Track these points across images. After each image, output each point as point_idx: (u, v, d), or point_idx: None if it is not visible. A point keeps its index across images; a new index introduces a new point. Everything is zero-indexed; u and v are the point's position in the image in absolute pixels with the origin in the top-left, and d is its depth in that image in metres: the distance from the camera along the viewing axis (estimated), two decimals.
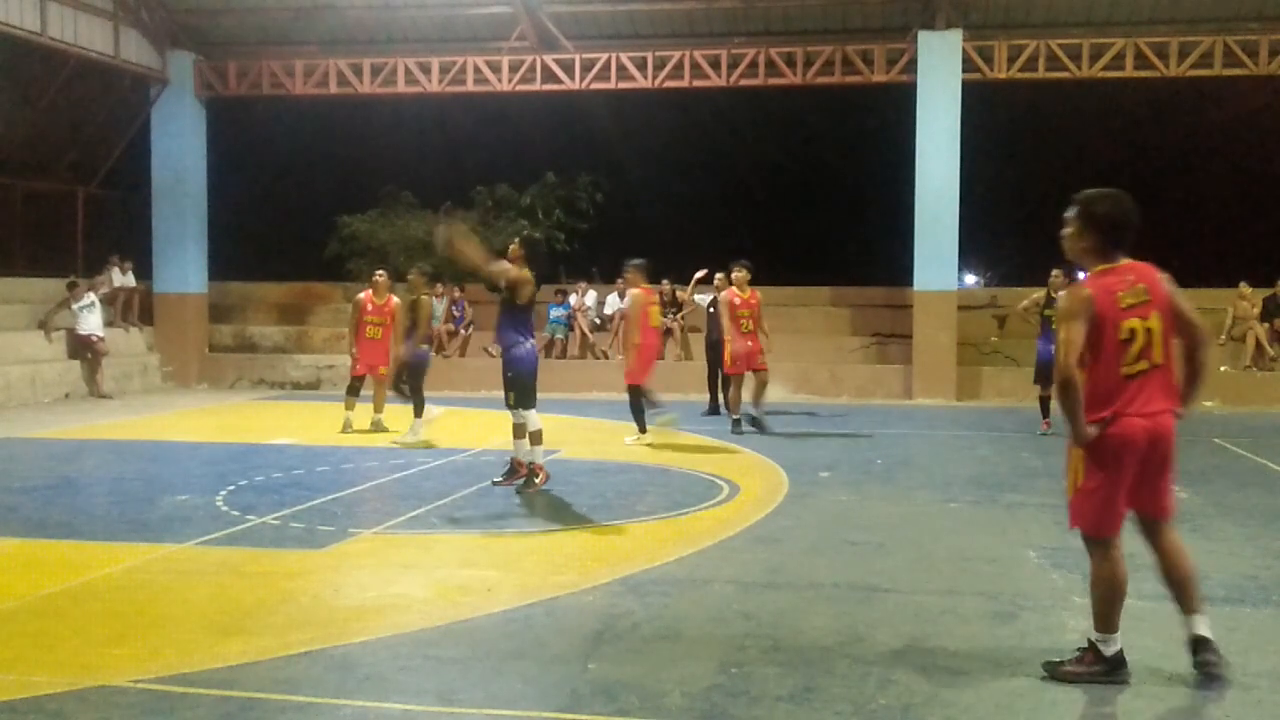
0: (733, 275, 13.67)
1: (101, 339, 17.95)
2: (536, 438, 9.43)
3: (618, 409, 16.08)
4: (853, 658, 5.22)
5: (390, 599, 6.18)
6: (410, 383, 12.42)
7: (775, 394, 18.20)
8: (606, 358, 19.41)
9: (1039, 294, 13.75)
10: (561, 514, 8.59)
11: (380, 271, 13.62)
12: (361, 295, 13.40)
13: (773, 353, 14.11)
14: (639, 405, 12.49)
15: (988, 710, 4.60)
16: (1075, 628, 5.48)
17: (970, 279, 34.61)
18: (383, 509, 8.66)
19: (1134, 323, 4.74)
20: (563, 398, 17.32)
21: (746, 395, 13.73)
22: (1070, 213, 4.98)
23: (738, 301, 13.42)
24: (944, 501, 9.22)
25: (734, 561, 7.08)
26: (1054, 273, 13.26)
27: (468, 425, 13.63)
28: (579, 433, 13.50)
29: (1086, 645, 4.92)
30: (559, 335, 19.88)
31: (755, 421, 13.46)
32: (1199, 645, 4.82)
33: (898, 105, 19.27)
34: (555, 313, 20.04)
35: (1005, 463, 11.39)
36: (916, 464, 11.27)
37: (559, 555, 7.29)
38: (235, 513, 8.45)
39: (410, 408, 12.41)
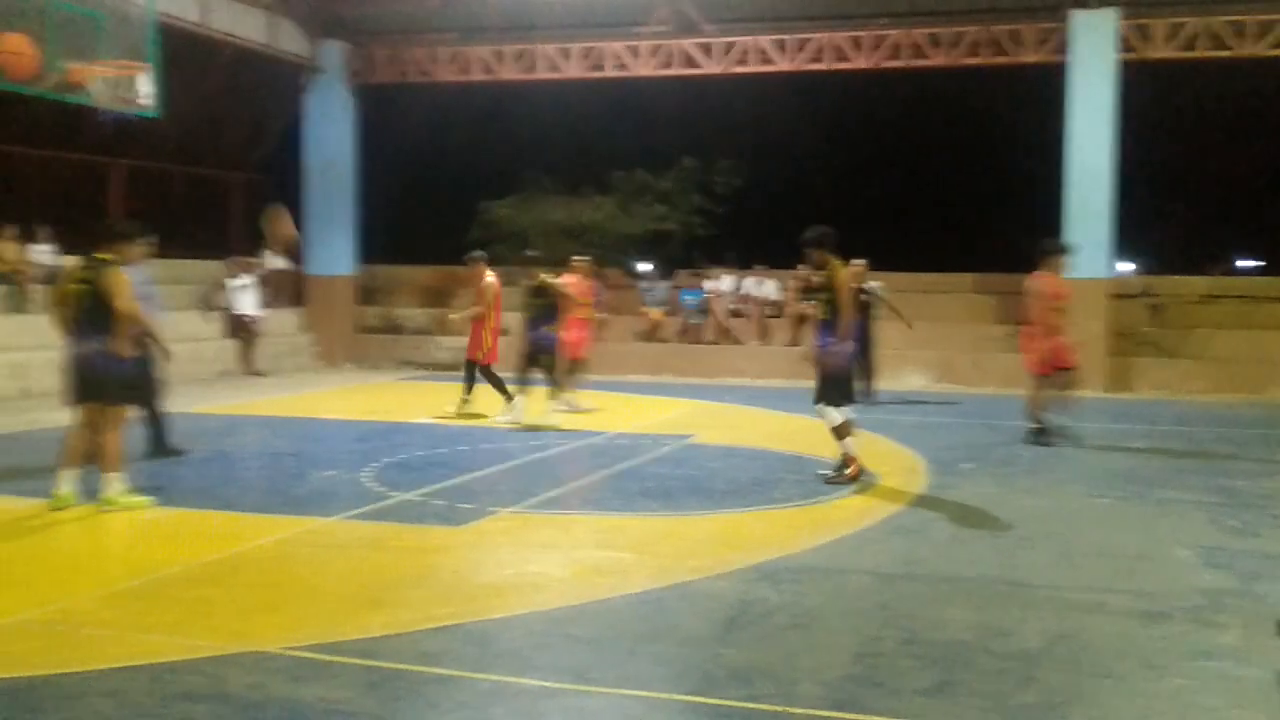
0: (1049, 259, 11.65)
1: (256, 319, 18.69)
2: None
3: (754, 394, 16.02)
4: (993, 653, 5.09)
5: (528, 577, 6.28)
6: (544, 365, 12.54)
7: (916, 382, 17.91)
8: (743, 343, 19.34)
9: None
10: (696, 499, 8.59)
11: (580, 256, 13.81)
12: (564, 279, 13.56)
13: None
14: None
15: (1135, 713, 4.45)
16: (1228, 628, 5.25)
17: (1123, 266, 33.38)
18: (521, 488, 8.81)
19: None
20: (698, 383, 17.34)
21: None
22: None
23: (1052, 291, 11.44)
24: (1092, 496, 8.92)
25: (871, 552, 6.98)
26: None
27: (606, 408, 13.73)
28: (714, 418, 13.48)
29: None
30: (693, 320, 19.87)
31: (1048, 432, 11.59)
32: None
33: (1046, 86, 18.66)
34: (690, 298, 20.05)
35: (1158, 457, 10.96)
36: (1063, 457, 10.92)
37: (693, 540, 7.31)
38: (380, 489, 8.71)
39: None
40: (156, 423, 10.01)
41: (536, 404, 12.42)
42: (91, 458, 7.92)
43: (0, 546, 7.01)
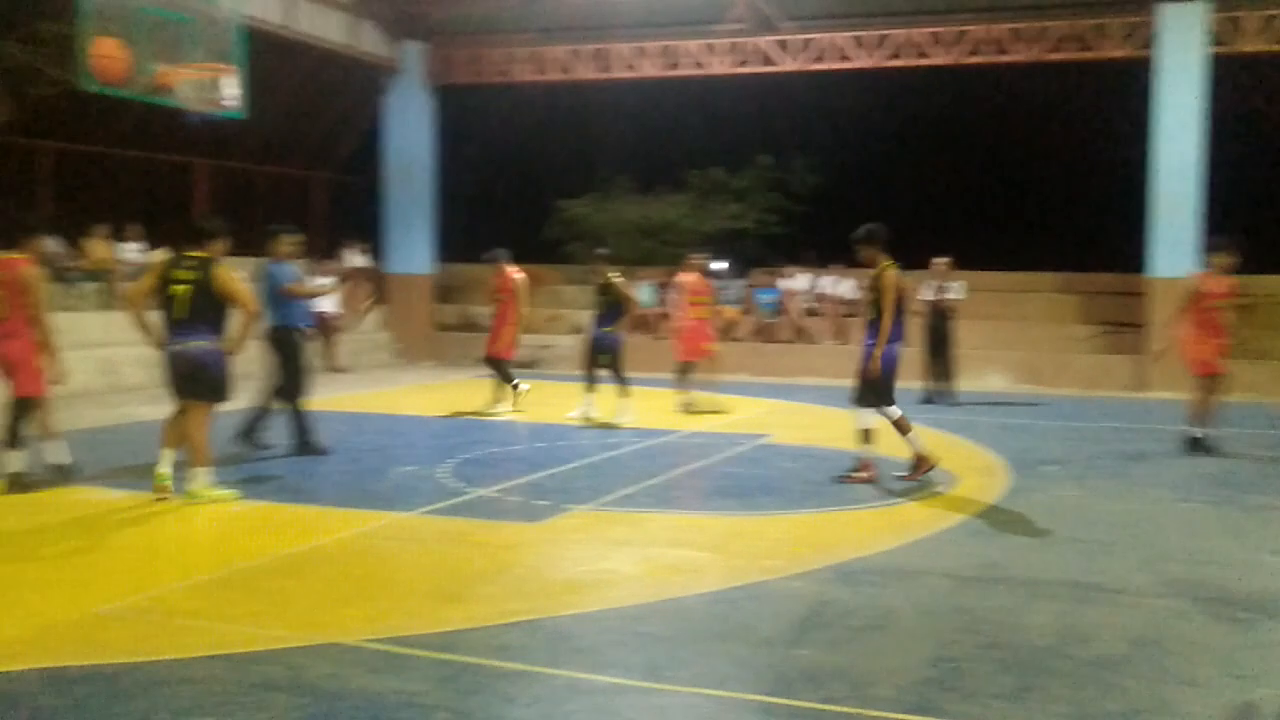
0: (1211, 256, 11.07)
1: (338, 316, 19.00)
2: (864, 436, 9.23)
3: (830, 394, 15.89)
4: (1074, 659, 5.00)
5: (602, 574, 6.30)
6: (604, 364, 12.60)
7: (996, 383, 17.63)
8: (820, 342, 19.22)
9: None
10: (771, 499, 8.56)
11: (697, 254, 13.81)
12: (684, 278, 13.58)
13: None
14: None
15: None
16: None
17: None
18: (596, 486, 8.84)
19: None
20: (773, 382, 17.26)
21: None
22: None
23: (1213, 290, 10.80)
24: (1178, 500, 8.71)
25: (949, 554, 6.89)
26: None
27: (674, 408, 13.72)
28: (789, 418, 13.40)
29: None
30: (768, 319, 19.78)
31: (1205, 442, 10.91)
32: None
33: (1132, 81, 18.26)
34: (765, 297, 19.96)
35: (1248, 461, 10.65)
36: (1149, 460, 10.68)
37: (768, 539, 7.27)
38: (457, 484, 8.80)
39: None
40: (300, 419, 10.20)
41: (606, 403, 12.45)
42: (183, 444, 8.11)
43: (93, 537, 7.22)
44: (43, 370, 8.40)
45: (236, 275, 8.12)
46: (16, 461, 8.36)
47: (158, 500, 7.93)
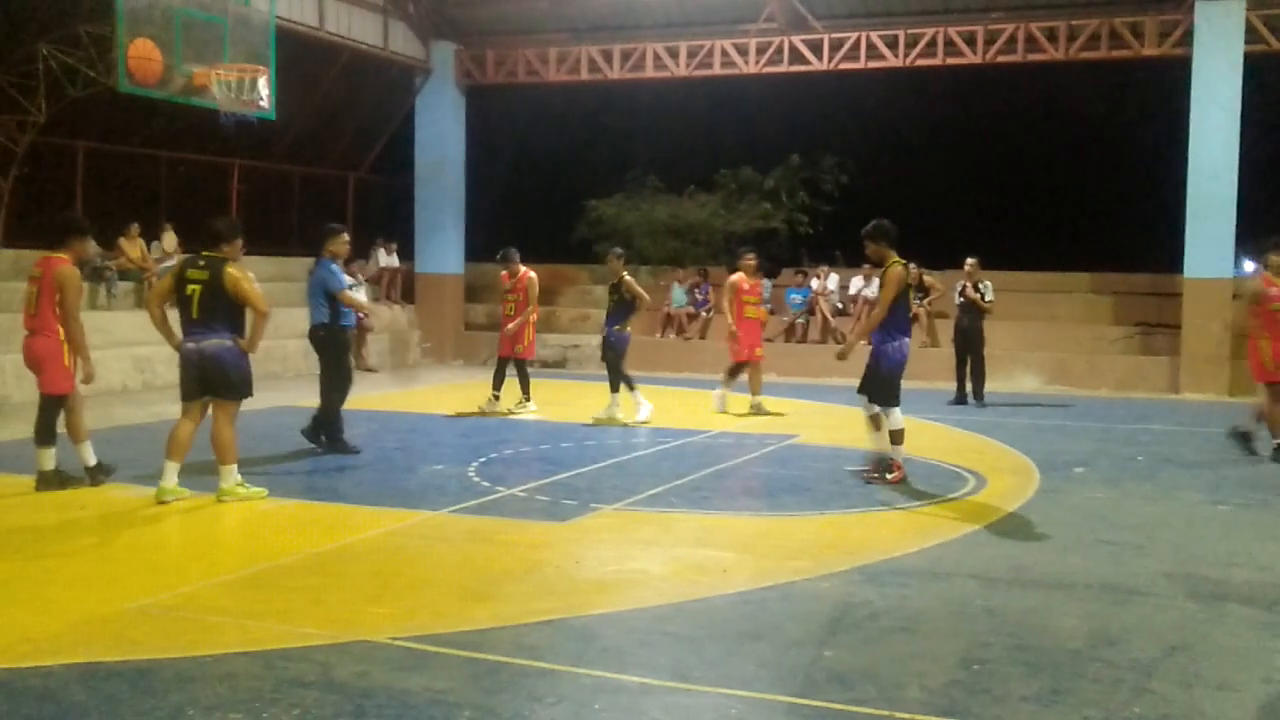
0: (1275, 261, 10.56)
1: (368, 315, 19.08)
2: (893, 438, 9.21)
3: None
4: (1104, 662, 4.95)
5: (629, 574, 6.30)
6: (610, 362, 12.66)
7: (1027, 384, 17.51)
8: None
9: None
10: (799, 499, 8.53)
11: (749, 253, 13.70)
12: (735, 277, 13.56)
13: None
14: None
15: None
16: None
17: (1249, 266, 32.08)
18: (623, 486, 8.84)
19: None
20: (803, 382, 17.20)
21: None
22: None
23: (1270, 293, 10.48)
24: (1211, 503, 8.62)
25: (978, 556, 6.84)
26: None
27: (708, 407, 13.70)
28: (818, 418, 13.36)
29: None
30: (798, 319, 19.73)
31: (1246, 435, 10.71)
32: None
33: (1169, 80, 18.07)
34: (795, 296, 19.90)
35: None
36: (1182, 462, 10.57)
37: (795, 540, 7.25)
38: (486, 483, 8.83)
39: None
40: (331, 417, 10.29)
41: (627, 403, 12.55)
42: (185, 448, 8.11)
43: (126, 534, 7.29)
44: (71, 369, 8.48)
45: (247, 276, 8.14)
46: (48, 459, 8.45)
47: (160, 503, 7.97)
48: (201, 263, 8.06)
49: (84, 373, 8.51)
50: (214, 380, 8.02)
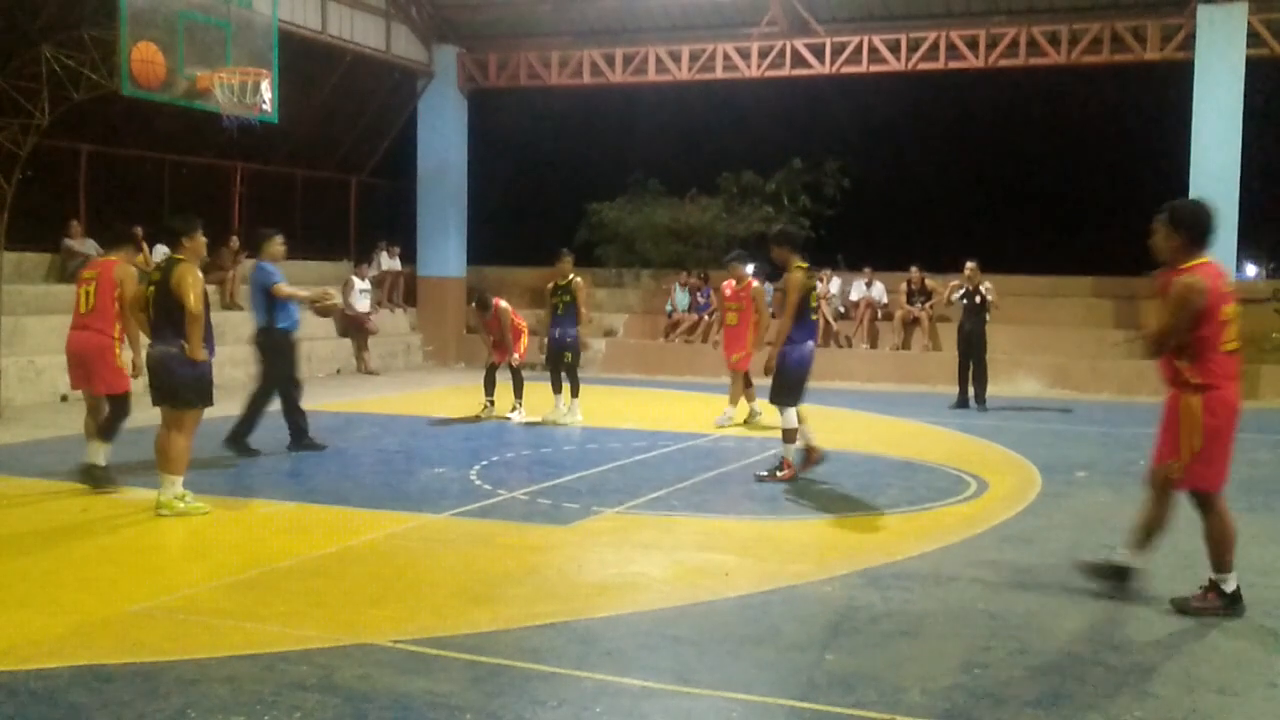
0: None
1: (370, 318, 19.13)
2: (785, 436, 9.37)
3: (862, 398, 15.84)
4: (1107, 666, 4.95)
5: (630, 577, 6.30)
6: (554, 365, 12.84)
7: (1029, 388, 17.49)
8: (850, 345, 19.17)
9: None
10: (801, 503, 8.53)
11: (735, 258, 13.57)
12: (756, 284, 13.37)
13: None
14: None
15: None
16: None
17: (1250, 270, 32.06)
18: (625, 489, 8.84)
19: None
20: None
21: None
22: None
23: None
24: None
25: (980, 560, 6.84)
26: None
27: (711, 410, 13.69)
28: (817, 421, 13.29)
29: (1208, 584, 5.73)
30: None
31: None
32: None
33: (1170, 83, 18.07)
34: None
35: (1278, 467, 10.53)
36: None
37: (797, 544, 7.25)
38: (487, 487, 8.83)
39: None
40: (255, 420, 10.31)
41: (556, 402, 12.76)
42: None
43: (126, 536, 7.29)
44: (123, 368, 8.60)
45: (194, 274, 7.75)
46: (101, 454, 8.50)
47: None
48: (164, 265, 7.91)
49: (134, 365, 8.62)
50: (160, 387, 7.78)
